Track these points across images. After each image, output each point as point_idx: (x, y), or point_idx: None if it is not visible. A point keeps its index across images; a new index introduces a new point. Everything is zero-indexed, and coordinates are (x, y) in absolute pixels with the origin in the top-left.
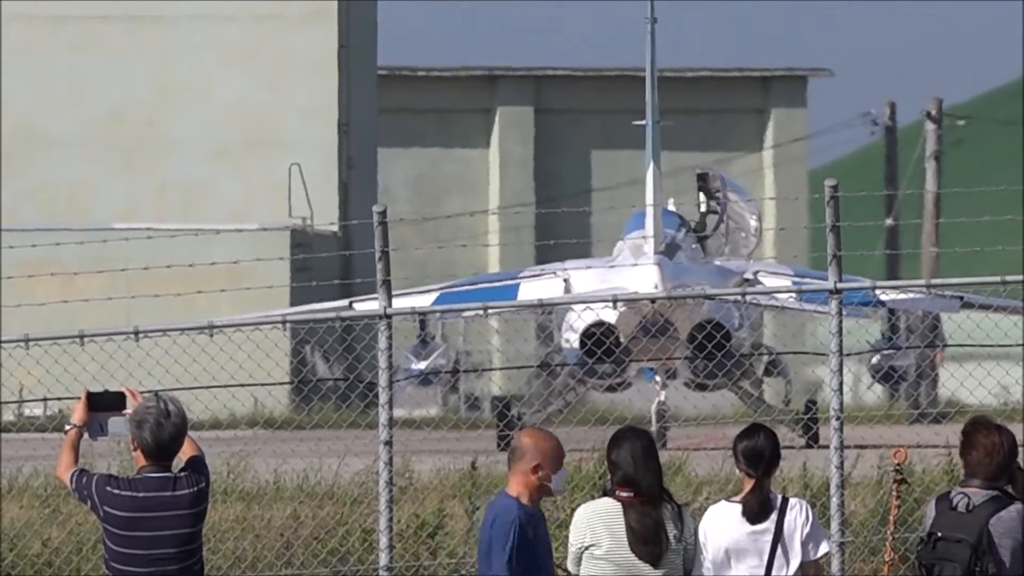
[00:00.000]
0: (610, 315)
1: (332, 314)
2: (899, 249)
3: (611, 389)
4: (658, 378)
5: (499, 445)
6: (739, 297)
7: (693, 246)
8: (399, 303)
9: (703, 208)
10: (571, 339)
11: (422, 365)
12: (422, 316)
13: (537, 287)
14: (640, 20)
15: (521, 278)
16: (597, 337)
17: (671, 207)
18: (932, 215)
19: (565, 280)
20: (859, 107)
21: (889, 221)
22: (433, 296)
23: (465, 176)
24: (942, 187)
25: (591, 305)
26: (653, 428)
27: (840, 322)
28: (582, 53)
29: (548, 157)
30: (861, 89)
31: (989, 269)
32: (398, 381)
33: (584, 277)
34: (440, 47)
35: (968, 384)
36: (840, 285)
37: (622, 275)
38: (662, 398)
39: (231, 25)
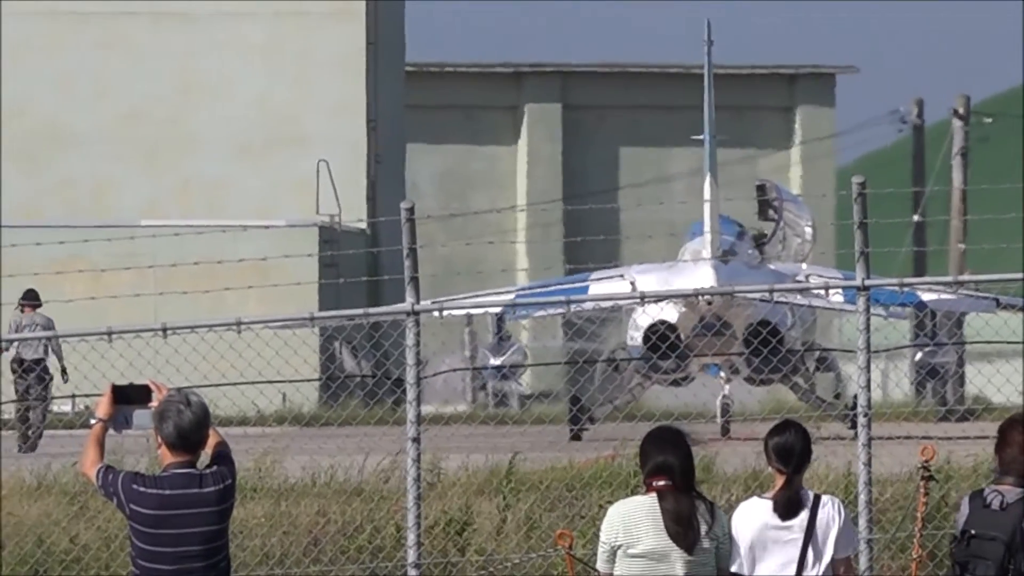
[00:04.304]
0: (672, 314)
1: (359, 311)
2: (926, 246)
3: (675, 384)
4: (723, 374)
5: (576, 436)
6: (767, 295)
7: (750, 251)
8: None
9: (757, 197)
10: (636, 337)
11: (499, 362)
12: (499, 316)
13: (606, 287)
14: (668, 18)
15: (592, 280)
16: (661, 333)
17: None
18: (959, 212)
19: (631, 282)
20: (886, 104)
21: (916, 218)
22: (510, 296)
23: (492, 173)
24: (969, 184)
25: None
26: (718, 421)
27: (868, 319)
28: (609, 49)
29: (575, 154)
30: (888, 86)
31: (1016, 266)
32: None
33: (648, 279)
34: (467, 44)
35: (995, 381)
36: (868, 282)
37: (681, 278)
38: (726, 392)
39: (255, 22)
